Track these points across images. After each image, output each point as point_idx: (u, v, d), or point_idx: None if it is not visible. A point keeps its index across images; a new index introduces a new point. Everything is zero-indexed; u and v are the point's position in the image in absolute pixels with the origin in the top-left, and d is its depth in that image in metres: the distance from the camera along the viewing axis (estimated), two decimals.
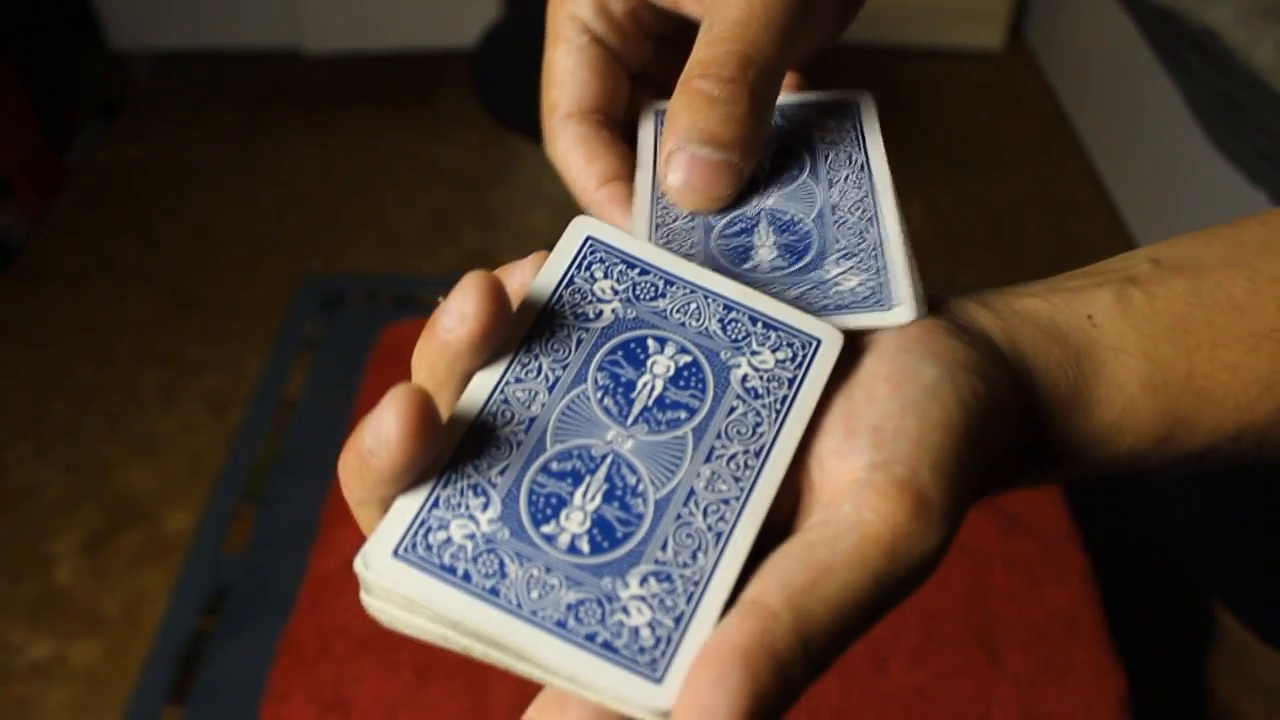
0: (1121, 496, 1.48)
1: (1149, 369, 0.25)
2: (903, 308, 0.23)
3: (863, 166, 0.25)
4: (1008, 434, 0.24)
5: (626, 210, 0.27)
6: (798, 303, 0.23)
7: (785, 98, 0.24)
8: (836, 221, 0.24)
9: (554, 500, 0.20)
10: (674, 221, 0.25)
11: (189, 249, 2.04)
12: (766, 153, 0.26)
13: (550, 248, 0.24)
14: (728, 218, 0.25)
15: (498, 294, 0.22)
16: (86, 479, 1.63)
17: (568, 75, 0.31)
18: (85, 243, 2.06)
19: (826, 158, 0.26)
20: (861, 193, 0.25)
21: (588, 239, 0.23)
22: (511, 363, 0.22)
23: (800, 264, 0.24)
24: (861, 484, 0.20)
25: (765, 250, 0.24)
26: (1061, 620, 0.98)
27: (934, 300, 0.25)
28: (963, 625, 0.97)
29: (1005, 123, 2.32)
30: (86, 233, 2.08)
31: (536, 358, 0.22)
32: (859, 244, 0.24)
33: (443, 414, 0.22)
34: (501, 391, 0.21)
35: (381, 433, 0.20)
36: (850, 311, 0.23)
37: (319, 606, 0.98)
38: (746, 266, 0.24)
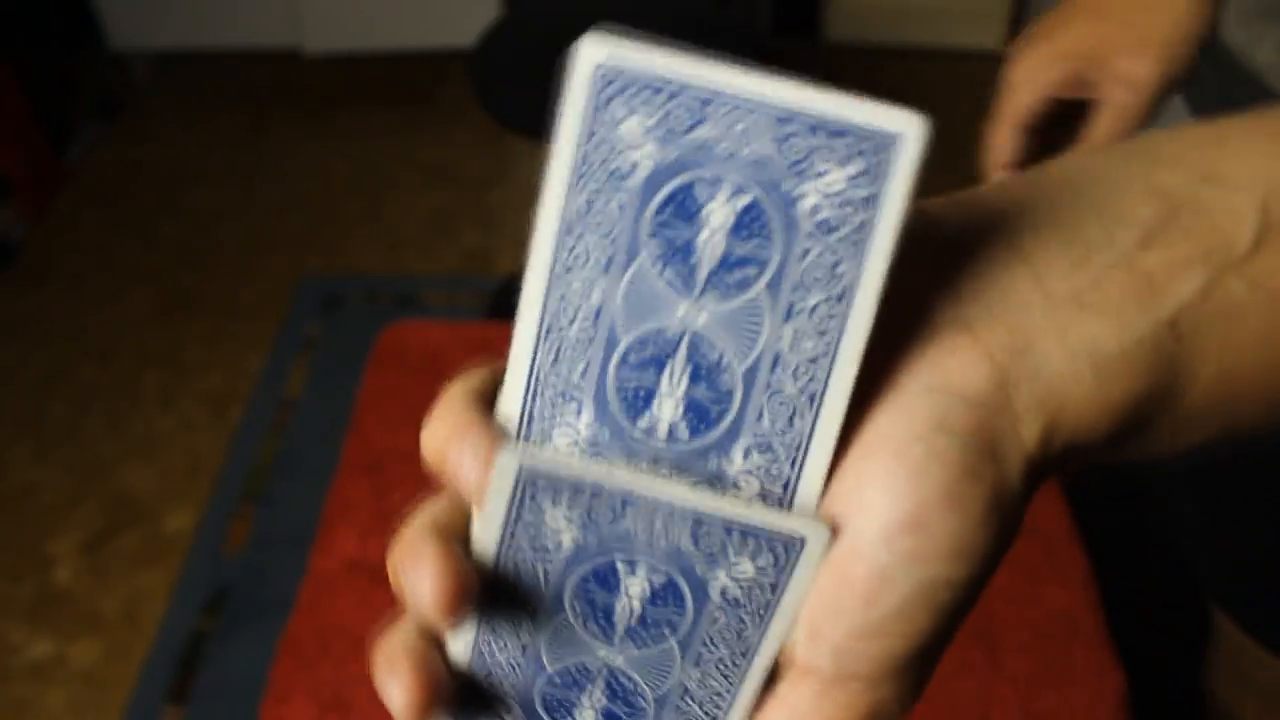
0: (1121, 496, 1.48)
1: (1221, 391, 0.20)
2: (813, 529, 0.19)
3: (843, 295, 0.18)
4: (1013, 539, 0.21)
5: None
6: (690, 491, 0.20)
7: (809, 96, 0.18)
8: (770, 386, 0.19)
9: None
10: (570, 326, 0.19)
11: (189, 249, 2.04)
12: (734, 200, 0.18)
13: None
14: (641, 330, 0.19)
15: (456, 582, 0.20)
16: (86, 479, 1.63)
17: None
18: (85, 243, 2.06)
19: (805, 256, 0.18)
20: (823, 345, 0.19)
21: (520, 472, 0.19)
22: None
23: (702, 439, 0.20)
24: (819, 692, 0.20)
25: (669, 405, 0.19)
26: (1061, 620, 0.98)
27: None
28: (963, 625, 0.97)
29: None
30: (86, 233, 2.08)
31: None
32: (783, 432, 0.19)
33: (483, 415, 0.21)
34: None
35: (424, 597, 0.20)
36: (742, 511, 0.20)
37: (319, 606, 0.98)
38: (641, 426, 0.19)
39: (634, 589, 0.20)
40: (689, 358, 0.19)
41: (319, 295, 1.93)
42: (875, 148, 0.18)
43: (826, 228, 0.18)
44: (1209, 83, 0.45)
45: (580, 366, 0.19)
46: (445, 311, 1.90)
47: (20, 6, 2.38)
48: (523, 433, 0.20)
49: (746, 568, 0.20)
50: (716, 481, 0.20)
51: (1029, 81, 0.45)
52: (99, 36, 2.50)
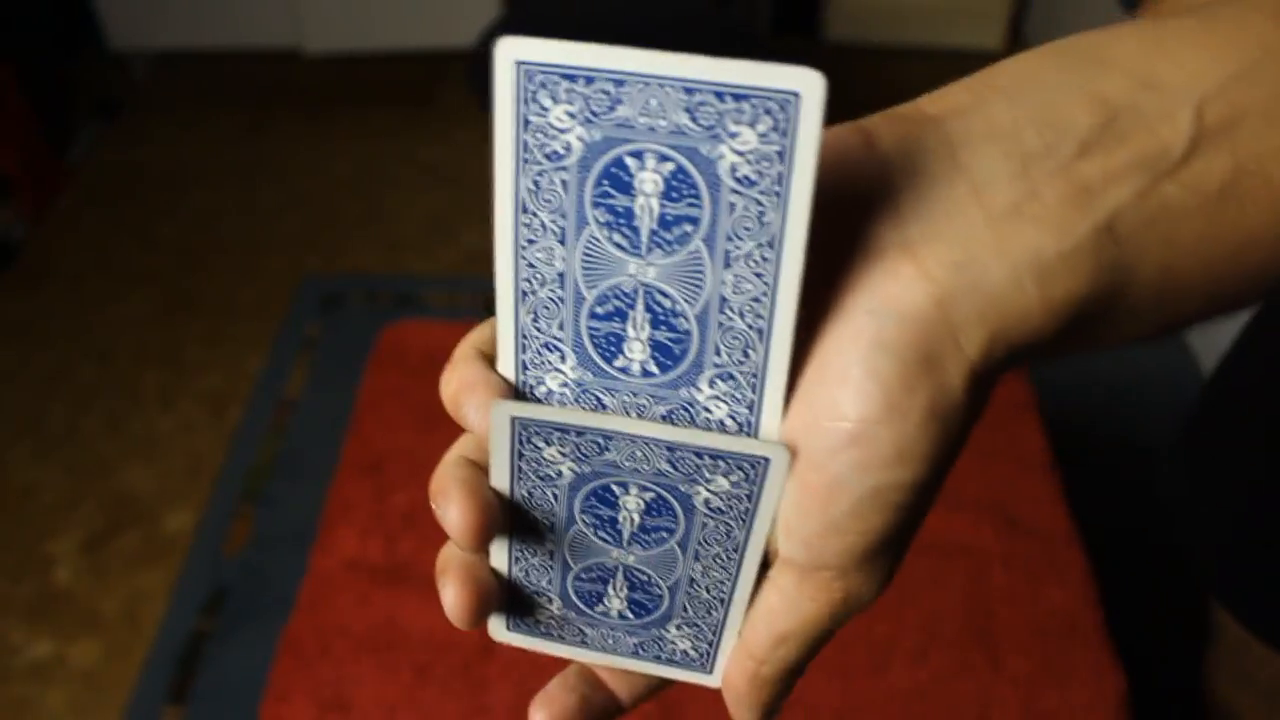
0: (1121, 496, 1.48)
1: (1162, 288, 0.21)
2: (773, 452, 0.22)
3: (772, 241, 0.20)
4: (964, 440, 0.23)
5: None
6: (667, 420, 0.23)
7: (709, 67, 0.19)
8: (722, 324, 0.21)
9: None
10: (541, 289, 0.22)
11: (189, 249, 2.04)
12: (657, 168, 0.20)
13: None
14: (601, 288, 0.21)
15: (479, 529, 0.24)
16: (86, 479, 1.63)
17: None
18: (85, 243, 2.06)
19: (732, 210, 0.20)
20: (762, 286, 0.20)
21: (512, 422, 0.23)
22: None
23: (671, 374, 0.22)
24: (799, 579, 0.24)
25: (638, 347, 0.22)
26: (1061, 620, 0.98)
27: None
28: (963, 625, 0.97)
29: None
30: (86, 233, 2.08)
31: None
32: (740, 363, 0.22)
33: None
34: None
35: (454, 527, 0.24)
36: (706, 439, 0.22)
37: (319, 606, 0.98)
38: (617, 366, 0.22)
39: (630, 504, 0.24)
40: (646, 306, 0.21)
41: (319, 295, 1.93)
42: (779, 105, 0.19)
43: (747, 182, 0.20)
44: None
45: (556, 322, 0.22)
46: (445, 311, 1.90)
47: (20, 7, 2.38)
48: (520, 379, 0.23)
49: (722, 483, 0.23)
50: (690, 408, 0.22)
51: None
52: (99, 36, 2.50)
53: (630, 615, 0.26)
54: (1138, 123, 0.21)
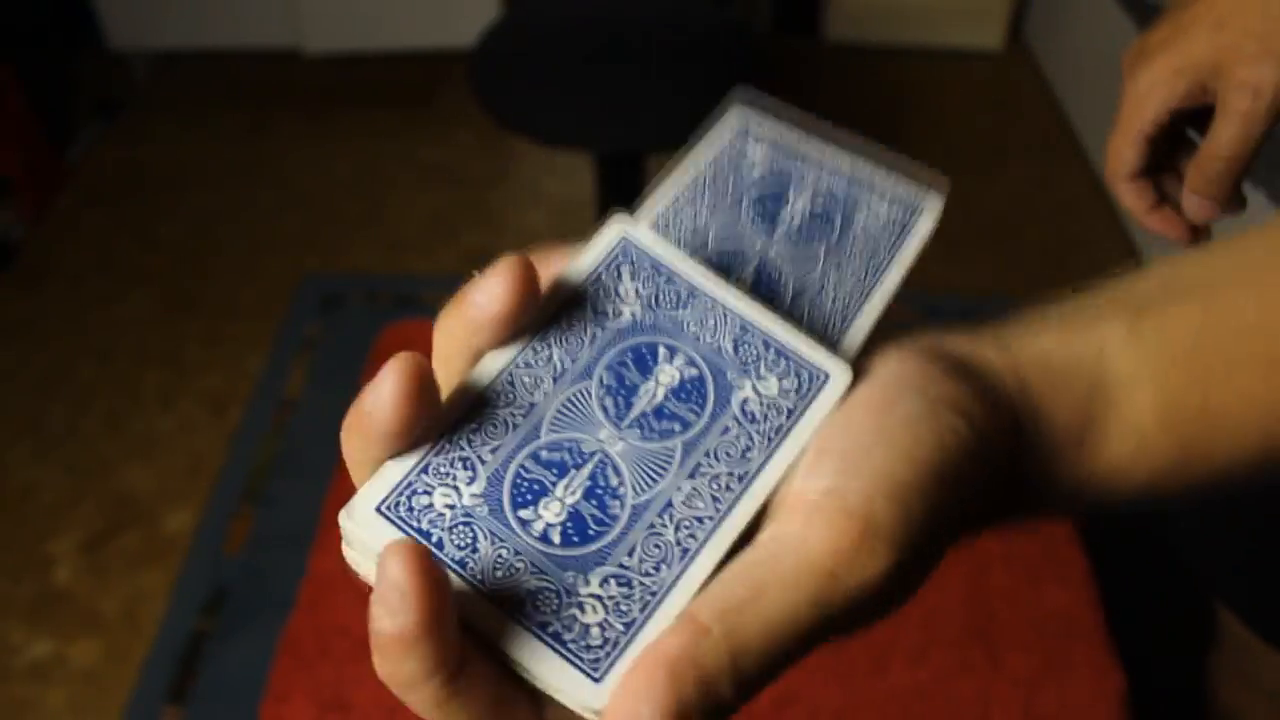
0: None
1: (1163, 402, 0.25)
2: (832, 379, 0.23)
3: (744, 476, 0.21)
4: (990, 478, 0.23)
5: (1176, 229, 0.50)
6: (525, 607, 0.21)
7: (769, 320, 0.23)
8: (653, 527, 0.21)
9: (536, 487, 0.21)
10: (504, 408, 0.22)
11: (189, 249, 2.04)
12: (684, 369, 0.23)
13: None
14: (561, 436, 0.22)
15: (530, 281, 0.23)
16: (86, 479, 1.63)
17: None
18: (85, 243, 2.06)
19: (725, 433, 0.22)
20: (713, 509, 0.21)
21: (622, 239, 0.24)
22: (525, 347, 0.22)
23: (571, 550, 0.21)
24: (813, 507, 0.21)
25: (555, 508, 0.21)
26: (1061, 620, 0.98)
27: (947, 330, 0.26)
28: (963, 625, 0.97)
29: (1005, 123, 2.32)
30: (86, 233, 2.08)
31: (549, 346, 0.22)
32: (646, 575, 0.21)
33: (450, 383, 0.23)
34: (510, 373, 0.22)
35: (380, 395, 0.21)
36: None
37: (319, 606, 0.98)
38: (519, 516, 0.21)
39: (664, 376, 0.23)
40: (591, 474, 0.21)
41: (319, 295, 1.93)
42: (809, 376, 0.22)
43: (751, 418, 0.22)
44: None
45: (494, 444, 0.22)
46: None
47: (20, 6, 2.38)
48: (409, 476, 0.22)
49: (772, 385, 0.22)
50: (563, 595, 0.20)
51: (1151, 95, 0.48)
52: (99, 36, 2.50)
53: (555, 540, 0.21)
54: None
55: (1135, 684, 0.96)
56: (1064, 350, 0.26)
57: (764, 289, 0.24)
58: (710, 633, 0.19)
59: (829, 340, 0.24)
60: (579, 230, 0.44)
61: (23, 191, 2.06)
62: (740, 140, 0.25)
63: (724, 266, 0.24)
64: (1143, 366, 0.25)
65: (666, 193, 0.25)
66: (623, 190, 1.61)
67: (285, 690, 0.93)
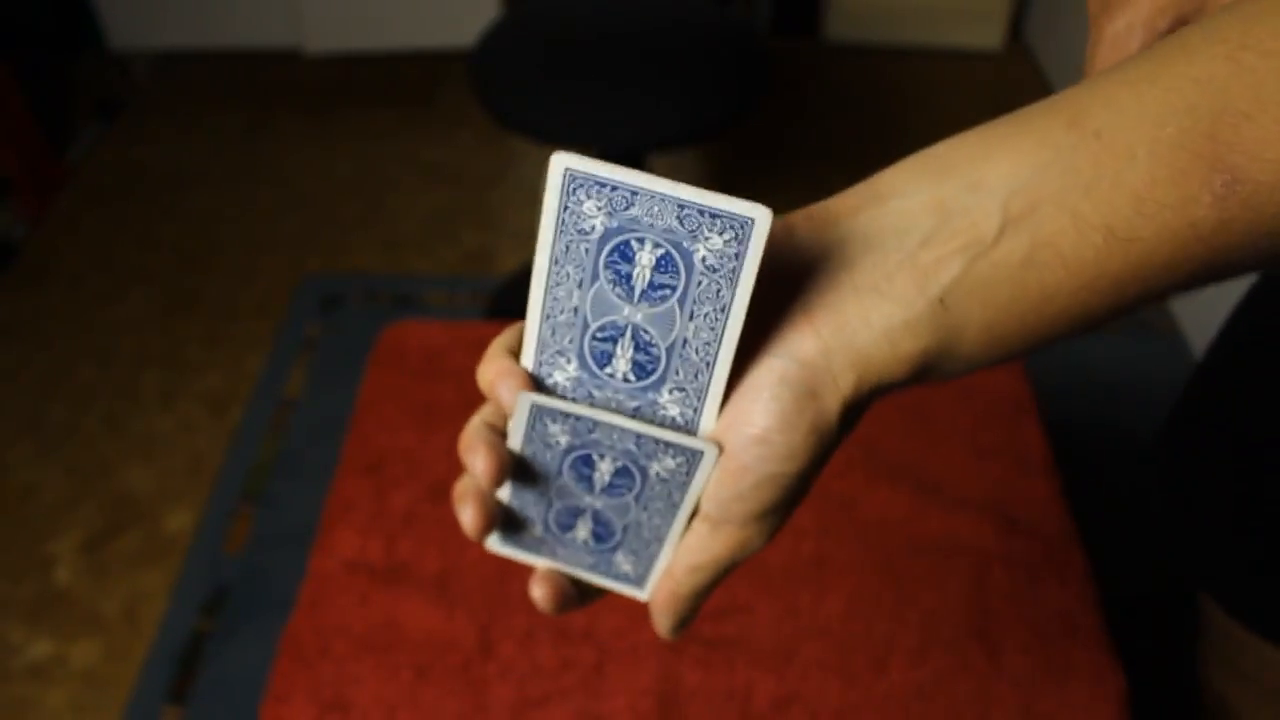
0: (1121, 496, 1.48)
1: (988, 338, 0.30)
2: (707, 448, 0.32)
3: (724, 310, 0.30)
4: (840, 436, 0.31)
5: None
6: (635, 414, 0.33)
7: (690, 194, 0.29)
8: (683, 356, 0.31)
9: (605, 355, 0.32)
10: (560, 315, 0.32)
11: (189, 249, 2.04)
12: (652, 252, 0.30)
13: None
14: (602, 320, 0.31)
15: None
16: (86, 479, 1.63)
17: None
18: (85, 243, 2.06)
19: (700, 284, 0.30)
20: (712, 335, 0.30)
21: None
22: (549, 273, 0.31)
23: (643, 382, 0.32)
24: (712, 528, 0.34)
25: (622, 362, 0.32)
26: (1061, 620, 0.98)
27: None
28: (963, 625, 0.97)
29: None
30: (86, 233, 2.08)
31: (563, 267, 0.31)
32: (691, 382, 0.32)
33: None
34: (552, 294, 0.31)
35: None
36: (662, 433, 0.32)
37: (319, 606, 0.98)
38: (605, 372, 0.32)
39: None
40: (632, 337, 0.31)
41: (319, 295, 1.93)
42: (739, 225, 0.29)
43: (712, 270, 0.29)
44: None
45: (567, 338, 0.32)
46: (445, 311, 1.90)
47: (20, 6, 2.38)
48: (536, 373, 0.33)
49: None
50: (653, 406, 0.33)
51: (1130, 37, 0.47)
52: (99, 36, 2.50)
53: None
54: (963, 219, 0.29)
55: (1135, 684, 0.96)
56: (907, 309, 0.30)
57: (641, 354, 0.32)
58: (681, 584, 0.36)
59: (698, 388, 0.31)
60: None
61: (23, 192, 2.06)
62: (571, 191, 0.30)
63: (607, 346, 0.32)
64: (975, 311, 0.29)
65: (535, 300, 0.32)
66: None
67: (285, 690, 0.93)
